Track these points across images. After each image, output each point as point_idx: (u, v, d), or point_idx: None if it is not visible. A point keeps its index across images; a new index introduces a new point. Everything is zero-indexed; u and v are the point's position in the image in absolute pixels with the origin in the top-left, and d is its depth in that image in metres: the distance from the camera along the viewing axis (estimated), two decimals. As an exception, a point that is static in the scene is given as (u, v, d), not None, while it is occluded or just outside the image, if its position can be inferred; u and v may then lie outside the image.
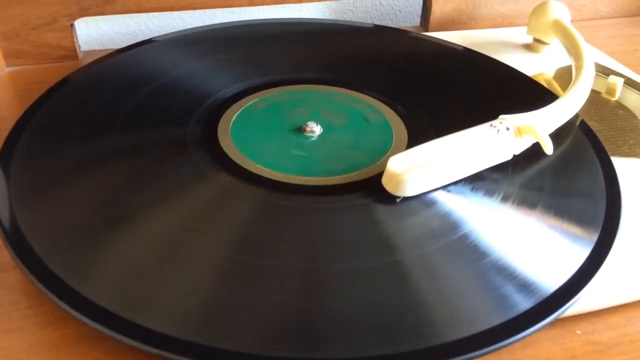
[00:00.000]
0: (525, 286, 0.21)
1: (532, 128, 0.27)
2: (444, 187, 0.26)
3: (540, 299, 0.21)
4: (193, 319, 0.20)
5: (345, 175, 0.26)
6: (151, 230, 0.23)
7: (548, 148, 0.27)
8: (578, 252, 0.23)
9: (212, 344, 0.19)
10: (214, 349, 0.19)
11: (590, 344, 0.22)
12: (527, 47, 0.42)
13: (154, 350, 0.19)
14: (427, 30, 0.46)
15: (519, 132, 0.27)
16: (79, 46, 0.40)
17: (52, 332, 0.21)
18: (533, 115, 0.28)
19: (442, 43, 0.39)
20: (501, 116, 0.27)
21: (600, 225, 0.24)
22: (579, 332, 0.22)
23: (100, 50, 0.39)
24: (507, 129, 0.27)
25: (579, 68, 0.33)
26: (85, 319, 0.19)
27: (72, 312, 0.20)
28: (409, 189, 0.25)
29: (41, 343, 0.21)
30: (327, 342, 0.19)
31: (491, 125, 0.27)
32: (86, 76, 0.33)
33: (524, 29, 0.42)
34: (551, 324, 0.20)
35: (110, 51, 0.35)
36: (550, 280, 0.22)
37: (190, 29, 0.38)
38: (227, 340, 0.19)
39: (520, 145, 0.27)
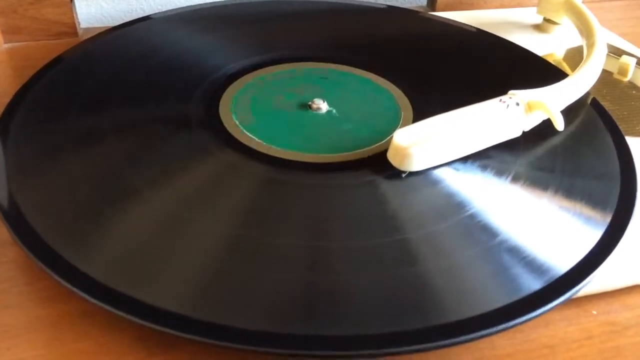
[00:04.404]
0: (536, 267, 0.21)
1: (543, 103, 0.26)
2: (452, 166, 0.25)
3: (551, 280, 0.20)
4: (195, 295, 0.19)
5: (351, 153, 0.26)
6: (152, 206, 0.23)
7: (559, 124, 0.26)
8: (592, 234, 0.22)
9: (214, 321, 0.18)
10: (216, 325, 0.18)
11: (606, 324, 0.21)
12: (537, 27, 0.41)
13: (154, 326, 0.18)
14: (434, 11, 0.45)
15: (529, 107, 0.26)
16: (79, 23, 0.39)
17: (51, 308, 0.21)
18: (544, 91, 0.27)
19: (452, 23, 0.38)
20: (511, 91, 0.27)
21: (615, 205, 0.24)
22: (594, 312, 0.22)
23: (101, 28, 0.39)
24: (517, 104, 0.26)
25: (590, 45, 0.32)
26: (85, 295, 0.19)
27: (71, 288, 0.19)
28: (415, 164, 0.24)
29: (40, 320, 0.20)
30: (331, 319, 0.19)
31: (500, 100, 0.26)
32: (83, 53, 0.32)
33: (533, 9, 0.41)
34: (566, 304, 0.20)
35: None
36: (563, 261, 0.21)
37: (190, 6, 0.37)
38: (230, 317, 0.18)
39: (530, 122, 0.27)
